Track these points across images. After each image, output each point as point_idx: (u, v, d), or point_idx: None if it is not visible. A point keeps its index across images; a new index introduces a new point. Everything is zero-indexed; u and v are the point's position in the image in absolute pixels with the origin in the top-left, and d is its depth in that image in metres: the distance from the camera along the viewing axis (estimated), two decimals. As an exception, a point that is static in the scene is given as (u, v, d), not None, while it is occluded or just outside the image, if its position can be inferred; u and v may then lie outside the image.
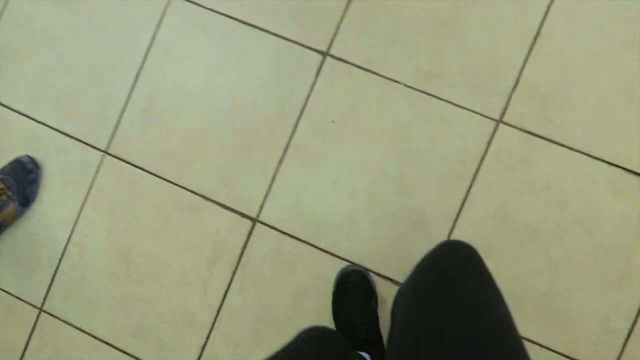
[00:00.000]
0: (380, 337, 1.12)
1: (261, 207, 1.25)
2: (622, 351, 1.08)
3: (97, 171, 1.33)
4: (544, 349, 1.11)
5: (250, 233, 1.25)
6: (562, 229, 1.11)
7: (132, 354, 1.28)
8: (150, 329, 1.28)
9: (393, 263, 1.18)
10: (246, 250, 1.25)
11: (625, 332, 1.08)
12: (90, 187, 1.33)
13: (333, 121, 1.22)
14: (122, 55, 1.33)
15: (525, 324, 1.11)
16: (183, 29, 1.30)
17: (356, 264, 1.19)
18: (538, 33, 1.14)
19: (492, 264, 1.13)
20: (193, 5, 1.30)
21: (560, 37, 1.14)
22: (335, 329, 1.14)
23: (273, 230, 1.24)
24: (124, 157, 1.32)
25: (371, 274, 1.18)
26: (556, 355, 1.10)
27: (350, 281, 1.14)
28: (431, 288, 0.65)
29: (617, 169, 1.10)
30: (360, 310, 1.11)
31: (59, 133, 1.35)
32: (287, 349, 0.72)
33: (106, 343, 1.29)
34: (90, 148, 1.33)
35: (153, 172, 1.30)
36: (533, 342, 1.11)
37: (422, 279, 0.69)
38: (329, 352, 0.75)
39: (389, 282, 1.18)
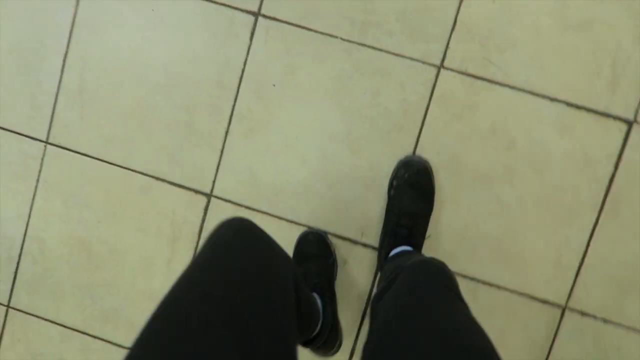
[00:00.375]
0: (334, 292, 1.13)
1: (214, 181, 1.23)
2: (574, 283, 1.11)
3: (42, 163, 1.29)
4: (501, 290, 1.14)
5: (206, 209, 1.23)
6: (511, 172, 1.11)
7: (105, 339, 1.30)
8: (120, 313, 1.29)
9: (351, 224, 1.18)
10: (205, 226, 1.24)
11: (577, 265, 1.11)
12: (38, 179, 1.30)
13: (274, 85, 1.18)
14: (44, 38, 1.25)
15: (482, 268, 1.14)
16: (104, 1, 1.22)
17: (314, 228, 1.19)
18: (472, -30, 1.09)
19: (446, 213, 1.14)
20: (110, -25, 1.21)
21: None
22: None
23: (229, 204, 1.22)
24: (66, 145, 1.27)
25: (331, 236, 1.18)
26: (512, 294, 1.13)
27: (307, 241, 1.15)
28: (414, 303, 0.69)
29: (560, 104, 1.09)
30: (316, 265, 1.11)
31: (-7, 128, 1.29)
32: (210, 246, 0.66)
33: (78, 331, 1.30)
34: (30, 140, 1.28)
35: (99, 157, 1.27)
36: (490, 285, 1.14)
37: (404, 294, 0.73)
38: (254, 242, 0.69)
39: (348, 242, 1.19)
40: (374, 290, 1.17)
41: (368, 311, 1.18)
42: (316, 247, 1.14)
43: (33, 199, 1.30)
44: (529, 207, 1.11)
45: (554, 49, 1.08)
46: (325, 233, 1.18)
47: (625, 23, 1.06)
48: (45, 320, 1.31)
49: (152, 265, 1.27)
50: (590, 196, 1.09)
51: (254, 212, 1.21)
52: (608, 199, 1.08)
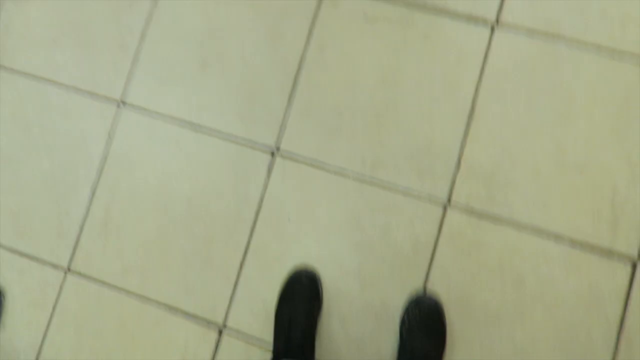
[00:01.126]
0: (313, 346, 1.13)
1: (227, 312, 1.24)
2: None
3: (60, 291, 1.32)
4: None
5: (218, 343, 1.23)
6: (521, 310, 1.12)
7: None
8: None
9: None
10: (216, 360, 1.23)
11: (598, 408, 1.07)
12: (54, 307, 1.32)
13: (289, 219, 1.24)
14: (76, 170, 1.35)
15: (499, 409, 1.10)
16: (134, 137, 1.33)
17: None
18: (472, 112, 1.19)
19: (459, 353, 1.13)
20: (140, 111, 1.33)
21: (492, 114, 1.19)
22: (274, 326, 1.16)
23: (241, 336, 1.23)
24: (86, 273, 1.31)
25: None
26: None
27: (299, 282, 1.17)
28: None
29: (565, 242, 1.13)
30: (301, 312, 1.13)
31: (19, 255, 1.34)
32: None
33: None
34: (52, 268, 1.33)
35: (116, 285, 1.29)
36: None
37: None
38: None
39: (360, 378, 1.16)
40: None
41: None
42: (307, 291, 1.15)
43: (47, 327, 1.31)
44: (543, 347, 1.10)
45: (554, 189, 1.14)
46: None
47: (619, 166, 1.13)
48: None
49: (160, 400, 1.24)
50: (602, 336, 1.08)
51: (267, 345, 1.21)
52: (621, 339, 1.07)
